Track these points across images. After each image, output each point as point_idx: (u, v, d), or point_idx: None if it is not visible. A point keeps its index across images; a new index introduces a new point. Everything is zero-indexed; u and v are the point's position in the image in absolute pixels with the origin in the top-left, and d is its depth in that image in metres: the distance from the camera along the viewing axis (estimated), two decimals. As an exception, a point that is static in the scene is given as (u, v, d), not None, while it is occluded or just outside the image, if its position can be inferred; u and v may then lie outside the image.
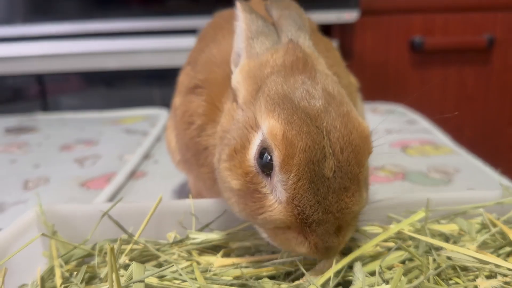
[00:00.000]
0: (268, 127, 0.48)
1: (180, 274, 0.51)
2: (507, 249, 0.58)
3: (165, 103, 1.69)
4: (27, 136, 1.49)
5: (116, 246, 0.54)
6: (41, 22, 1.83)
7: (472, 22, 1.96)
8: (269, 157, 0.48)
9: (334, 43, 1.83)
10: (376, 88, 1.98)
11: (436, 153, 1.14)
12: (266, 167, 0.49)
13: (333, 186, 0.47)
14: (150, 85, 2.08)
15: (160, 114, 1.66)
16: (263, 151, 0.49)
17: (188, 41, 1.78)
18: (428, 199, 0.63)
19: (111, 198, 0.94)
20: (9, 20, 1.87)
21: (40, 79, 2.02)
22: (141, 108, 1.78)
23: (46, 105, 2.03)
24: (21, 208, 0.92)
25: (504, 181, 0.90)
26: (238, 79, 0.57)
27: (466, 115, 2.04)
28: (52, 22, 1.83)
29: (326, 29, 1.93)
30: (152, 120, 1.61)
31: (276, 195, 0.49)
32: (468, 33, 1.96)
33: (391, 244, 0.60)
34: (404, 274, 0.52)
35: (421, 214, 0.62)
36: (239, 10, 0.60)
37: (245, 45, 0.58)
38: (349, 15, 1.79)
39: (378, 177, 0.99)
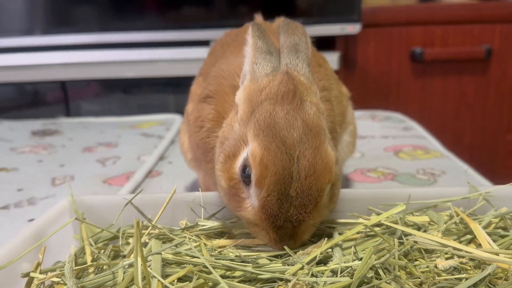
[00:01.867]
0: (251, 149, 0.60)
1: (192, 251, 0.62)
2: (468, 236, 0.67)
3: (179, 109, 1.81)
4: (51, 138, 1.61)
5: (136, 228, 0.65)
6: (66, 33, 1.97)
7: (471, 34, 2.04)
8: (249, 172, 0.61)
9: (337, 54, 1.94)
10: (378, 96, 2.08)
11: (426, 157, 1.24)
12: (246, 178, 0.61)
13: (294, 203, 0.59)
14: (165, 92, 2.20)
15: (174, 119, 1.77)
16: (245, 166, 0.61)
17: (201, 52, 1.92)
18: (409, 194, 0.74)
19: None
20: (36, 31, 2.01)
21: (63, 86, 2.16)
22: (156, 114, 1.90)
23: (68, 110, 2.16)
24: (50, 201, 1.04)
25: (483, 180, 1.00)
26: (239, 97, 0.68)
27: (466, 123, 2.12)
28: (76, 33, 1.97)
29: (331, 41, 2.03)
30: (167, 125, 1.73)
31: (251, 201, 0.62)
32: (467, 44, 2.05)
33: (370, 232, 0.70)
34: (376, 254, 0.62)
35: (401, 207, 0.73)
36: (249, 36, 0.69)
37: (249, 68, 0.68)
38: (353, 28, 1.90)
39: (369, 178, 1.09)
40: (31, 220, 0.94)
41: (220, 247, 0.68)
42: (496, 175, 2.17)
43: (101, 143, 1.52)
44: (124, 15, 2.03)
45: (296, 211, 0.60)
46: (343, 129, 0.90)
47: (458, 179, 1.06)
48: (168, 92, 2.19)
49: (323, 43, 1.96)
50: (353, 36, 2.01)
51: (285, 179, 0.58)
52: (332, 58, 1.90)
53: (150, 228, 0.69)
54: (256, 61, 0.68)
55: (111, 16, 2.04)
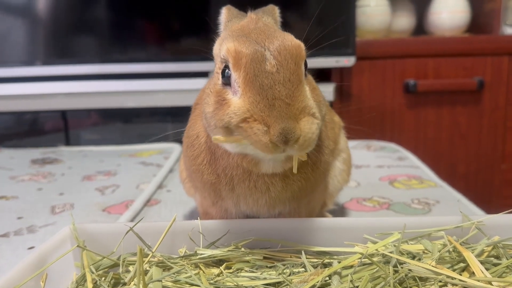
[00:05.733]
0: (225, 48, 0.65)
1: (192, 279, 0.63)
2: (462, 265, 0.69)
3: (178, 139, 1.83)
4: (51, 166, 1.62)
5: (139, 255, 0.66)
6: (66, 64, 2.02)
7: (463, 66, 2.10)
8: (229, 72, 0.64)
9: (333, 85, 1.99)
10: (373, 127, 2.11)
11: (420, 186, 1.26)
12: (227, 81, 0.65)
13: (278, 79, 0.62)
14: (164, 122, 2.24)
15: (173, 148, 1.79)
16: (225, 68, 0.65)
17: (200, 83, 1.95)
18: (404, 224, 0.76)
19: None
20: (37, 61, 2.05)
21: (63, 115, 2.19)
22: (155, 143, 1.92)
23: (68, 139, 2.19)
24: (50, 229, 1.04)
25: (476, 210, 1.02)
26: (215, 48, 0.73)
27: (460, 153, 2.15)
28: (77, 64, 2.01)
29: (327, 73, 2.09)
30: (166, 154, 1.74)
31: (236, 94, 0.64)
32: (459, 76, 2.10)
33: (366, 260, 0.72)
34: (372, 282, 0.64)
35: (396, 236, 0.75)
36: (222, 11, 0.78)
37: (223, 26, 0.76)
38: (347, 60, 1.95)
39: (365, 207, 1.11)
40: (31, 248, 0.94)
41: (218, 275, 0.69)
42: (492, 205, 2.19)
43: (100, 171, 1.54)
44: (125, 47, 2.08)
45: (282, 86, 0.61)
46: (335, 156, 0.92)
47: (452, 208, 1.08)
48: (167, 121, 2.23)
49: (319, 75, 2.00)
50: (348, 68, 2.06)
51: (259, 58, 0.62)
52: (328, 90, 1.95)
53: (150, 255, 0.70)
54: (228, 20, 0.76)
55: (111, 47, 2.09)
